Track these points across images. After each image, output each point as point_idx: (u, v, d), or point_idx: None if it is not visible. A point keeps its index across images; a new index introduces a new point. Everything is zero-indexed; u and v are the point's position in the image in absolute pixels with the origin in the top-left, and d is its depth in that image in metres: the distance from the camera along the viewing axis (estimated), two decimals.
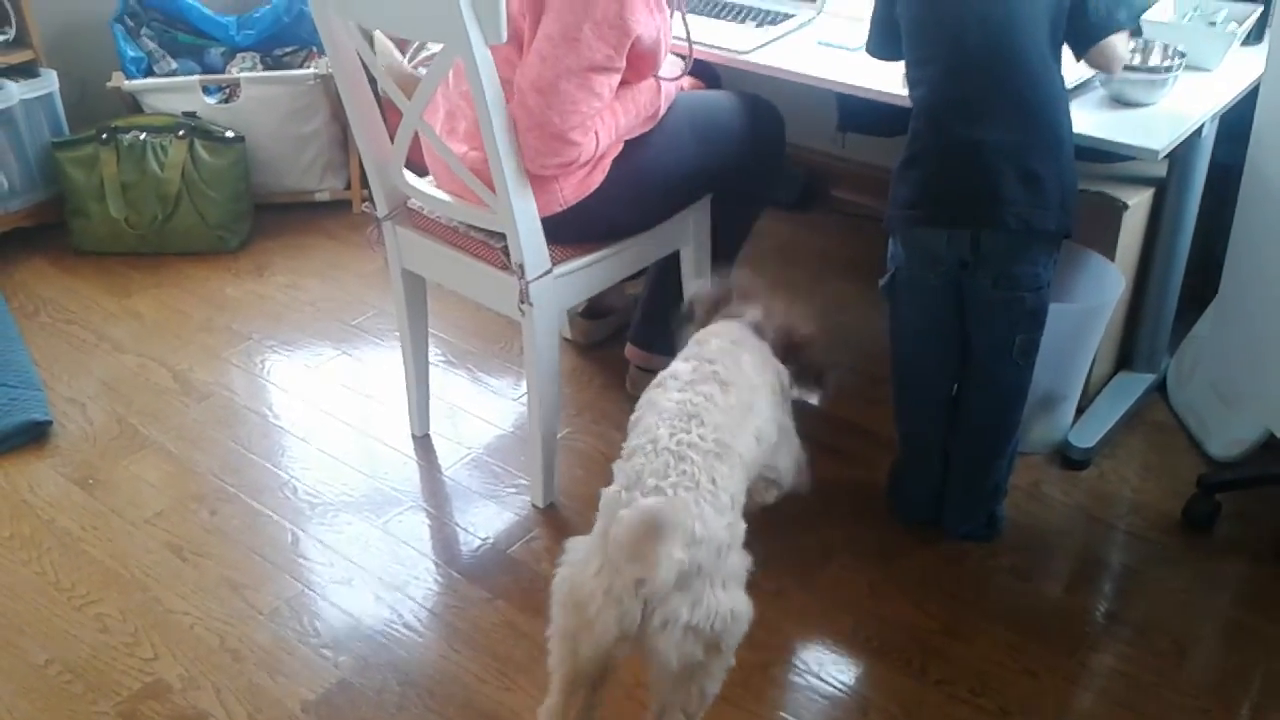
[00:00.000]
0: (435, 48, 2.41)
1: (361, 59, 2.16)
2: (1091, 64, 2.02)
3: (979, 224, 1.95)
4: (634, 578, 1.53)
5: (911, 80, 2.04)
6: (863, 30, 2.30)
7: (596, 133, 2.05)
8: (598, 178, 2.13)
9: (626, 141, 2.16)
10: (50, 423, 2.61)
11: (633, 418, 1.83)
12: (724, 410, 1.75)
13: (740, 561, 1.67)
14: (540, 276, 2.14)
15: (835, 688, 1.95)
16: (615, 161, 2.14)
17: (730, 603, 1.62)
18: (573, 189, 2.12)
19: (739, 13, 2.58)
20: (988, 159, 1.92)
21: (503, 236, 2.13)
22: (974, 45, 1.93)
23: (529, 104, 1.98)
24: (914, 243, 2.05)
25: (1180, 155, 2.27)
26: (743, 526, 1.71)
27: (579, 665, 1.67)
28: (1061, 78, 1.97)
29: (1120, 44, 2.00)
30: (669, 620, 1.56)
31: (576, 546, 1.68)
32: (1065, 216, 1.97)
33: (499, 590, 2.17)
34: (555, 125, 1.98)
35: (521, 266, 2.10)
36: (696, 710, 1.69)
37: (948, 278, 2.03)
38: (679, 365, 1.86)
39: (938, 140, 1.97)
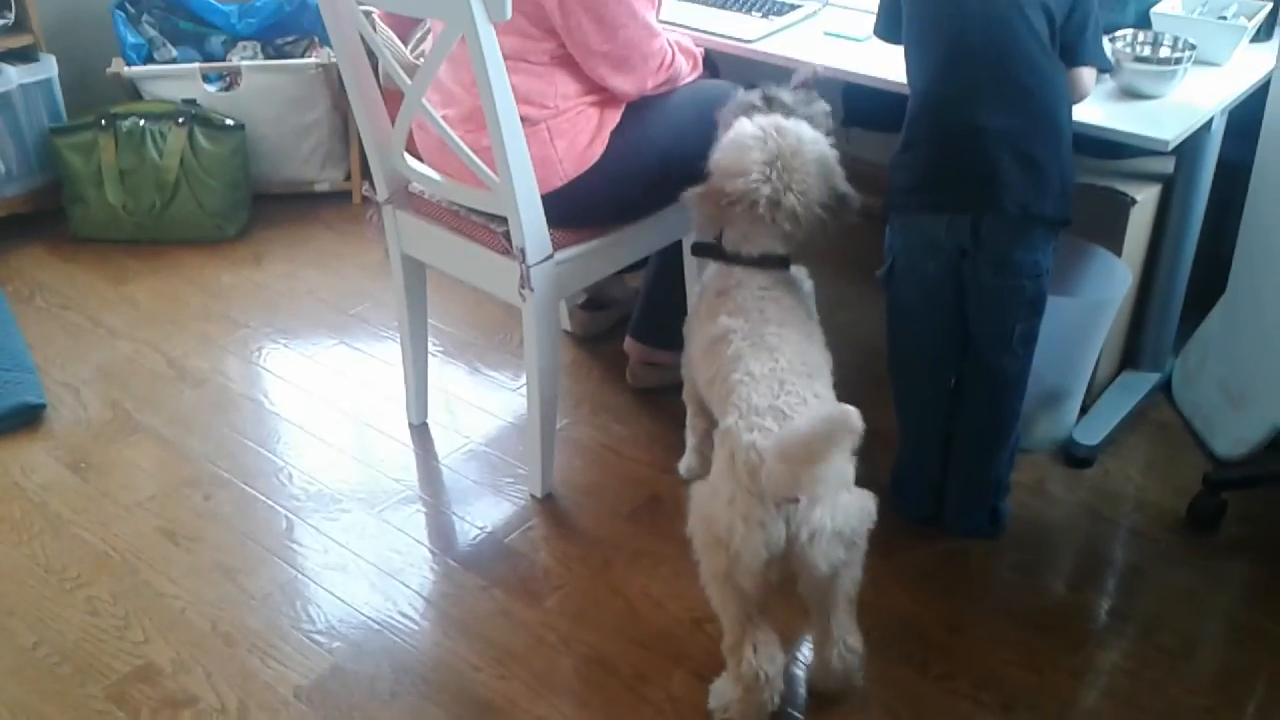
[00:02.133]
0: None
1: (363, 39, 2.14)
2: None
3: (979, 208, 1.94)
4: (784, 497, 1.60)
5: (911, 65, 2.03)
6: (869, 22, 2.29)
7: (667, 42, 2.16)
8: (598, 149, 2.12)
9: (627, 116, 2.16)
10: (44, 406, 2.58)
11: (711, 375, 1.88)
12: (794, 341, 1.82)
13: (851, 464, 1.72)
14: (542, 261, 2.11)
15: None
16: (615, 134, 2.13)
17: (858, 501, 1.71)
18: (573, 163, 2.10)
19: (745, 3, 2.56)
20: (987, 144, 1.91)
21: (504, 220, 2.11)
22: (975, 29, 1.91)
23: (593, 38, 2.04)
24: (913, 230, 2.03)
25: (1189, 150, 2.25)
26: None
27: (744, 599, 1.72)
28: (1062, 67, 1.95)
29: (1086, 78, 2.00)
30: (815, 531, 1.63)
31: (700, 489, 1.75)
32: (1064, 203, 1.96)
33: (496, 579, 2.14)
34: (627, 28, 2.05)
35: (523, 250, 2.08)
36: (853, 590, 1.82)
37: (947, 266, 2.01)
38: (728, 320, 1.87)
39: (937, 125, 1.96)
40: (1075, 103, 2.00)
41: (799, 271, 2.00)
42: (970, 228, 1.95)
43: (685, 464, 2.34)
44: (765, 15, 2.50)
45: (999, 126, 1.90)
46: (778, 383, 1.73)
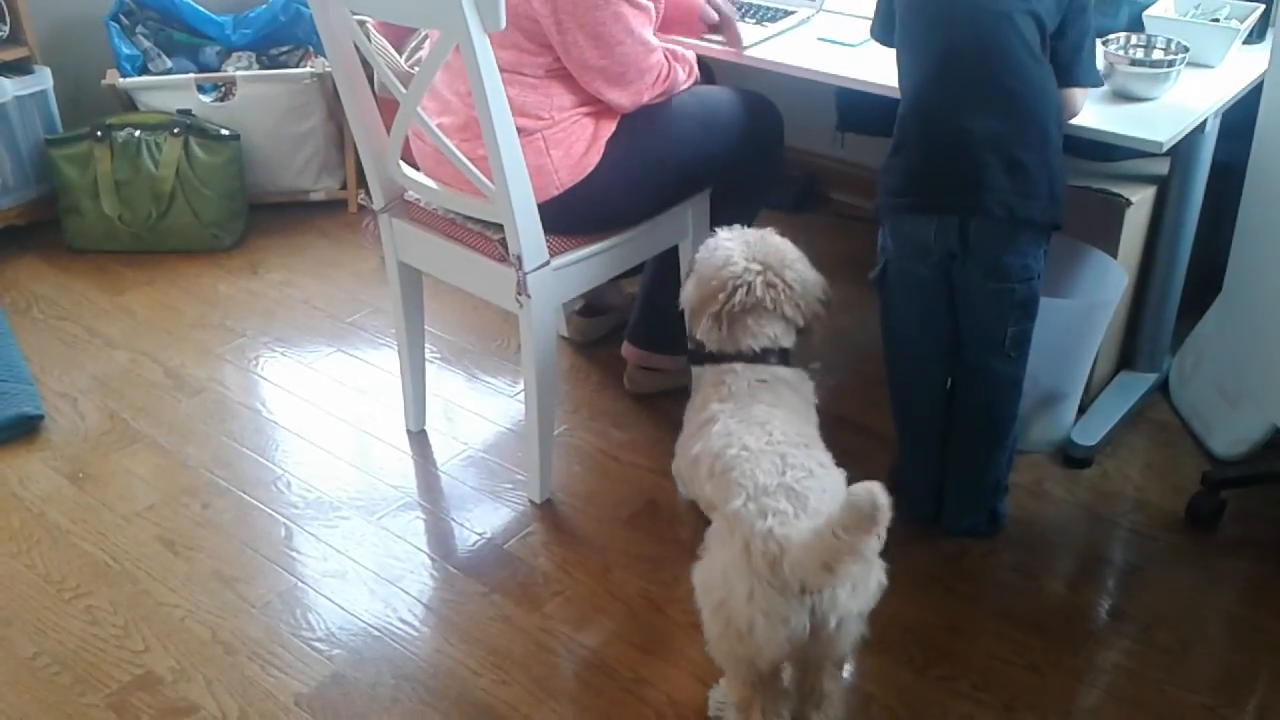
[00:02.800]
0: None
1: (358, 49, 2.15)
2: None
3: (964, 211, 1.94)
4: (801, 589, 1.52)
5: (902, 68, 2.04)
6: (862, 27, 2.30)
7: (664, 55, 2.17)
8: (593, 159, 2.13)
9: (622, 125, 2.16)
10: (42, 417, 2.58)
11: (695, 453, 1.80)
12: (784, 417, 1.76)
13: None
14: (538, 268, 2.12)
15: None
16: (611, 144, 2.14)
17: (875, 576, 1.63)
18: (568, 172, 2.11)
19: (739, 10, 2.56)
20: (974, 148, 1.92)
21: (500, 228, 2.11)
22: (965, 35, 1.92)
23: (590, 54, 2.04)
24: (902, 232, 2.04)
25: (1182, 152, 2.26)
26: None
27: (756, 671, 1.66)
28: (1051, 73, 1.95)
29: (1079, 97, 2.01)
30: (843, 618, 1.58)
31: (708, 575, 1.65)
32: (1053, 207, 1.96)
33: (495, 585, 2.14)
34: (624, 45, 2.05)
35: (519, 258, 2.09)
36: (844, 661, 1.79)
37: (937, 269, 2.02)
38: (718, 405, 1.81)
39: (925, 128, 1.97)
40: (1067, 120, 2.01)
41: (799, 374, 1.91)
42: (958, 230, 1.96)
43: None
44: (759, 22, 2.50)
45: (986, 130, 1.91)
46: (779, 457, 1.64)
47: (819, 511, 1.54)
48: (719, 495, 1.67)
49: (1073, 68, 1.98)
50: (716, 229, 1.96)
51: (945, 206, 1.97)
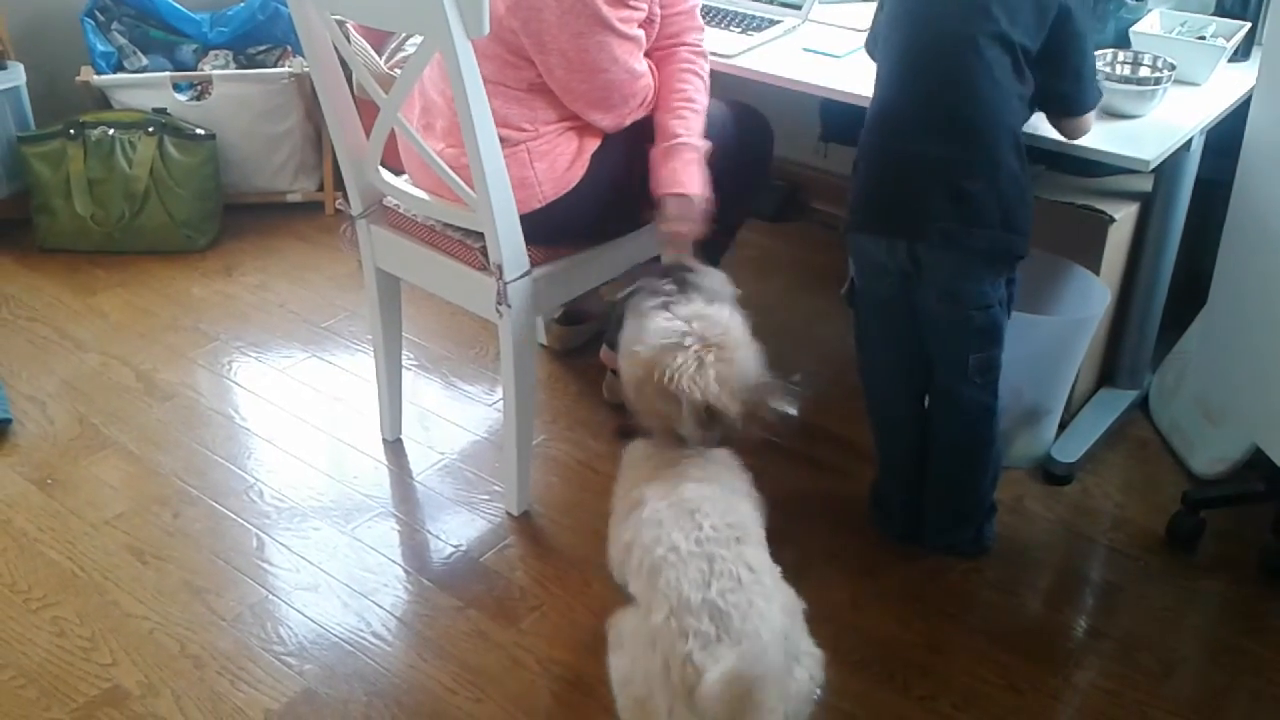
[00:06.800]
0: (411, 49, 2.38)
1: (338, 52, 2.11)
2: (1057, 128, 2.01)
3: (907, 236, 1.92)
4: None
5: (874, 83, 2.02)
6: (847, 38, 2.29)
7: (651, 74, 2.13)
8: (578, 172, 2.10)
9: (608, 139, 2.13)
10: (9, 420, 2.53)
11: (627, 540, 1.67)
12: (717, 499, 1.64)
13: (801, 626, 1.57)
14: (519, 277, 2.09)
15: (816, 702, 1.90)
16: (595, 158, 2.11)
17: (809, 678, 1.54)
18: (552, 185, 2.08)
19: (724, 18, 2.55)
20: (918, 173, 1.90)
21: (481, 236, 2.08)
22: (926, 57, 1.90)
23: (572, 79, 2.01)
24: (860, 250, 2.03)
25: (1167, 169, 2.25)
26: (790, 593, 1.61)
27: None
28: (1010, 100, 1.88)
29: (1088, 120, 2.00)
30: None
31: (626, 672, 1.56)
32: (1008, 236, 1.91)
33: (471, 599, 2.11)
34: (608, 73, 2.02)
35: (500, 267, 2.06)
36: None
37: (897, 289, 2.00)
38: (646, 488, 1.67)
39: (878, 148, 1.97)
40: (1077, 138, 2.01)
41: (728, 454, 1.77)
42: (907, 253, 1.94)
43: None
44: (744, 31, 2.49)
45: (934, 156, 1.88)
46: (706, 560, 1.52)
47: (742, 633, 1.45)
48: (644, 597, 1.57)
49: (1077, 96, 1.95)
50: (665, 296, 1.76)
51: (890, 229, 1.95)
